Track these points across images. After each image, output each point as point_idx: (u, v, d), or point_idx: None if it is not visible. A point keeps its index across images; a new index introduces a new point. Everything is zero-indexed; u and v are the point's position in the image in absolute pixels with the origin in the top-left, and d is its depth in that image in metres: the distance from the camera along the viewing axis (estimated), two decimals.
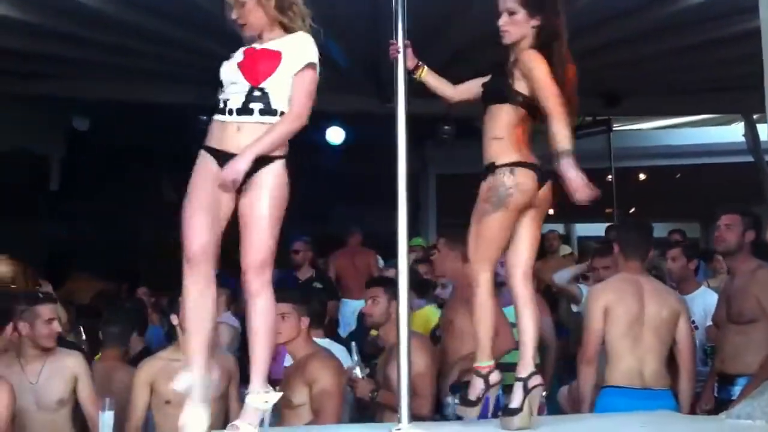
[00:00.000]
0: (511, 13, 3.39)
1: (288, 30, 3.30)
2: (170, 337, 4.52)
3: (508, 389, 4.86)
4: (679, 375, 4.27)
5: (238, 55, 3.27)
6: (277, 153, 3.19)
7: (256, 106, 3.17)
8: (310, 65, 3.26)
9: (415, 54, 3.59)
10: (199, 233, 3.09)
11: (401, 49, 3.50)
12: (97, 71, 8.20)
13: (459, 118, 9.54)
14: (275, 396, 3.15)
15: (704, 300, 5.20)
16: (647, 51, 6.84)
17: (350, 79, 8.34)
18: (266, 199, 3.14)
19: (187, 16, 6.49)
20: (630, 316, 4.20)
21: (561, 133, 3.18)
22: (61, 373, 4.22)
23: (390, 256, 6.30)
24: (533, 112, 3.36)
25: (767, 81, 3.27)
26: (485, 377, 3.34)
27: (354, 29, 6.66)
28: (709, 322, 5.04)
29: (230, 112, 3.19)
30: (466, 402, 3.35)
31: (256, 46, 3.27)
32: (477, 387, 3.34)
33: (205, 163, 3.21)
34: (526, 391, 3.30)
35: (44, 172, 10.69)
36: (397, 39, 3.51)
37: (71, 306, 7.00)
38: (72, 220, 11.94)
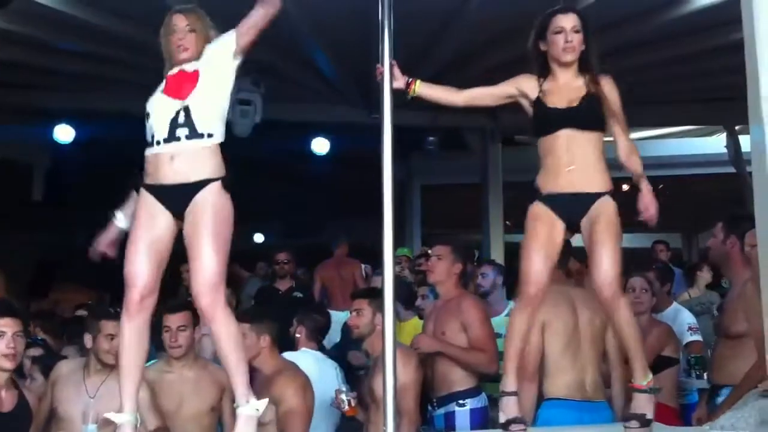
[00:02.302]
0: (577, 31, 3.46)
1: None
2: (158, 347, 4.47)
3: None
4: (612, 379, 4.19)
5: (161, 87, 3.34)
6: (215, 175, 3.20)
7: (182, 132, 3.19)
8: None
9: (401, 70, 3.52)
10: (139, 280, 3.13)
11: (387, 63, 3.48)
12: (81, 82, 8.17)
13: (444, 129, 9.58)
14: (263, 402, 3.17)
15: (675, 316, 5.26)
16: (630, 63, 6.88)
17: (337, 90, 8.36)
18: (209, 221, 3.14)
19: None
20: (568, 328, 4.11)
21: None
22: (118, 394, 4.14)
23: (376, 266, 6.31)
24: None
25: (750, 92, 3.29)
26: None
27: (342, 40, 6.67)
28: (687, 338, 5.15)
29: (158, 143, 3.21)
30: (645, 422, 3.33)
31: (174, 71, 3.34)
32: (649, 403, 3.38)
33: (145, 200, 3.24)
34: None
35: (28, 183, 10.64)
36: (383, 54, 3.48)
37: (56, 316, 6.97)
38: (55, 231, 11.89)
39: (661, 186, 13.30)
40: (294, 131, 9.11)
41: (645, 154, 13.04)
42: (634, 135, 12.50)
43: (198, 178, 3.17)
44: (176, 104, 3.22)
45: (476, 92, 3.67)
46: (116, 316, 4.29)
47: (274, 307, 5.72)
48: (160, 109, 3.26)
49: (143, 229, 3.19)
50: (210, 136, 3.22)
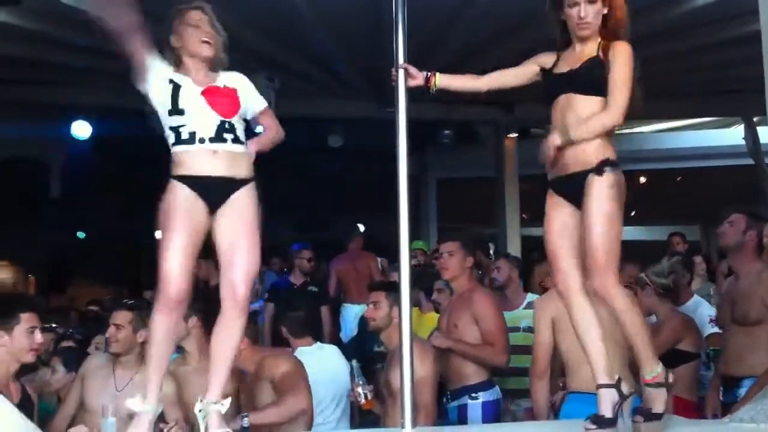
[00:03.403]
0: (593, 2, 3.22)
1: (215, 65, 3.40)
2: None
3: (519, 393, 4.89)
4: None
5: (195, 86, 3.32)
6: (251, 176, 3.28)
7: (228, 136, 3.24)
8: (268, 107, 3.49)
9: (413, 64, 3.47)
10: (179, 279, 3.12)
11: (401, 58, 3.46)
12: (97, 78, 8.19)
13: (458, 122, 9.56)
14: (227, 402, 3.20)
15: (695, 309, 5.19)
16: (647, 54, 6.81)
17: (351, 84, 8.36)
18: (250, 217, 3.23)
19: None
20: None
21: (598, 127, 3.14)
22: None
23: (393, 259, 6.31)
24: None
25: None
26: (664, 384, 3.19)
27: (355, 34, 6.66)
28: (708, 330, 5.05)
29: (201, 141, 3.23)
30: (651, 417, 3.16)
31: (209, 81, 3.35)
32: (659, 398, 3.18)
33: (177, 193, 3.23)
34: (623, 399, 3.20)
35: (45, 180, 10.71)
36: (396, 48, 3.47)
37: (73, 311, 7.03)
38: (73, 227, 11.96)
39: (678, 178, 13.28)
40: (308, 126, 9.13)
41: (662, 146, 12.97)
42: (652, 127, 12.51)
43: (240, 176, 3.24)
44: (219, 118, 3.27)
45: (498, 74, 3.51)
46: (129, 307, 4.37)
47: (290, 300, 5.70)
48: (201, 112, 3.27)
49: (180, 224, 3.17)
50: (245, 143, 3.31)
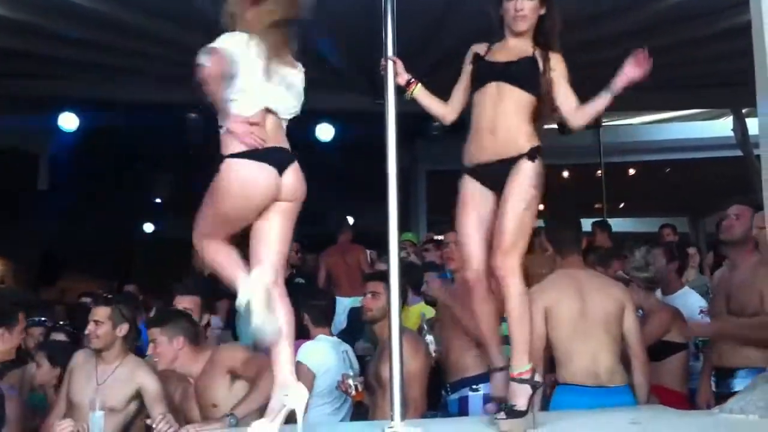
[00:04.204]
0: None
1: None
2: None
3: None
4: (632, 368, 4.08)
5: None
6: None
7: None
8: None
9: (405, 67, 3.51)
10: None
11: (389, 49, 3.46)
12: (85, 70, 8.16)
13: None
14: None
15: (685, 300, 5.19)
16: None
17: (342, 76, 8.33)
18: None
19: (176, 13, 6.47)
20: (572, 313, 4.02)
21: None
22: (126, 382, 4.15)
23: (382, 251, 6.28)
24: (540, 110, 3.39)
25: (758, 74, 3.27)
26: (530, 381, 3.20)
27: (346, 26, 6.64)
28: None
29: None
30: (513, 413, 3.15)
31: None
32: (522, 394, 3.18)
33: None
34: (534, 389, 3.20)
35: (33, 172, 10.66)
36: (386, 41, 3.46)
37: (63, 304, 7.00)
38: (62, 220, 11.91)
39: (668, 170, 13.31)
40: (298, 118, 9.08)
41: (651, 138, 12.97)
42: (641, 119, 12.53)
43: None
44: None
45: (454, 97, 3.60)
46: (104, 302, 4.37)
47: (313, 290, 5.70)
48: None
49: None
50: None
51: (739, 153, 10.06)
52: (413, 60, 3.54)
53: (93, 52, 7.55)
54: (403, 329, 3.82)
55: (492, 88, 3.36)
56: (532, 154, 3.26)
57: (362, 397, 4.43)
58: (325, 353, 4.76)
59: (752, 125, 9.74)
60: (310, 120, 9.51)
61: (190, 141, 8.97)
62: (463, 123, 3.62)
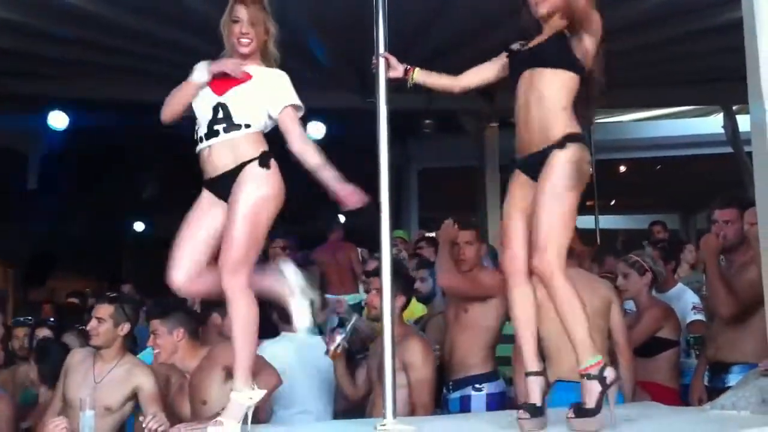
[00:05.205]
0: None
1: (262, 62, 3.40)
2: None
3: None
4: (618, 364, 4.03)
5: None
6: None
7: (220, 127, 3.25)
8: (295, 107, 3.45)
9: (395, 55, 3.45)
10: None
11: (380, 46, 3.44)
12: (75, 69, 8.12)
13: (440, 112, 9.55)
14: (259, 393, 3.15)
15: (679, 296, 5.20)
16: (628, 43, 6.84)
17: (333, 74, 8.32)
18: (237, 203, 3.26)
19: (168, 12, 6.44)
20: None
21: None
22: (123, 382, 4.16)
23: (374, 249, 6.27)
24: (586, 84, 3.17)
25: (749, 71, 3.26)
26: (598, 377, 3.00)
27: (337, 24, 6.63)
28: (690, 318, 5.06)
29: (200, 140, 3.28)
30: (583, 412, 2.96)
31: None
32: (592, 391, 2.98)
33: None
34: (604, 386, 3.00)
35: (22, 171, 10.61)
36: (377, 37, 3.45)
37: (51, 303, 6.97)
38: (51, 219, 11.87)
39: (658, 167, 13.34)
40: None
41: (642, 135, 13.01)
42: (632, 116, 12.54)
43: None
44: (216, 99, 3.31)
45: (475, 71, 3.48)
46: (108, 300, 4.36)
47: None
48: (204, 97, 3.35)
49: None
50: (247, 126, 3.30)
51: (729, 150, 10.09)
52: (403, 58, 3.51)
53: (83, 51, 7.52)
54: (416, 334, 3.81)
55: (525, 77, 3.17)
56: (562, 143, 3.05)
57: (338, 358, 4.37)
58: (285, 353, 4.59)
59: (743, 122, 9.78)
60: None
61: (180, 140, 8.94)
62: (457, 122, 3.60)
